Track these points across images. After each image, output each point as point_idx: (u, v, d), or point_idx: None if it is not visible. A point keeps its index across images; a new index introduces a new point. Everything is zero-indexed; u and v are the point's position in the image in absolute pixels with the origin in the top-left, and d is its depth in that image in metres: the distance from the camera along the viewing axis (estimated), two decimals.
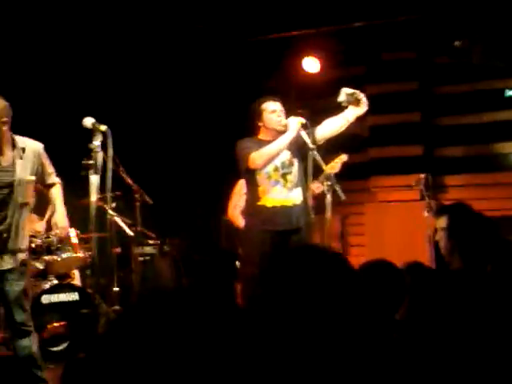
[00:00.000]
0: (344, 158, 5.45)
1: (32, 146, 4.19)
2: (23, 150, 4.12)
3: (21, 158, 4.11)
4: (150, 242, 6.51)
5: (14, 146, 4.11)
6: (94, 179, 4.31)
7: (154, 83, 7.23)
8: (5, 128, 4.07)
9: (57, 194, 4.35)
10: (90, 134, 4.44)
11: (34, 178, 4.18)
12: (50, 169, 4.31)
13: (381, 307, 2.56)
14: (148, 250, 6.56)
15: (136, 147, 6.84)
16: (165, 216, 7.01)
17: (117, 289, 5.90)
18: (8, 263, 4.15)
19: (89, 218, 4.75)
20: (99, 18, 6.36)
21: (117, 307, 5.75)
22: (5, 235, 4.11)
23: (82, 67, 6.69)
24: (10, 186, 4.07)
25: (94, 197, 4.38)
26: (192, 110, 7.62)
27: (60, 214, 4.33)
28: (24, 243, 4.28)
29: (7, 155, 4.09)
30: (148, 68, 7.09)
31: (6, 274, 4.14)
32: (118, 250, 5.97)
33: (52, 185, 4.33)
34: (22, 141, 4.15)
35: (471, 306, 2.16)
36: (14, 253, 4.18)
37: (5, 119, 4.05)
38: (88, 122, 4.45)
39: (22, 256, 4.23)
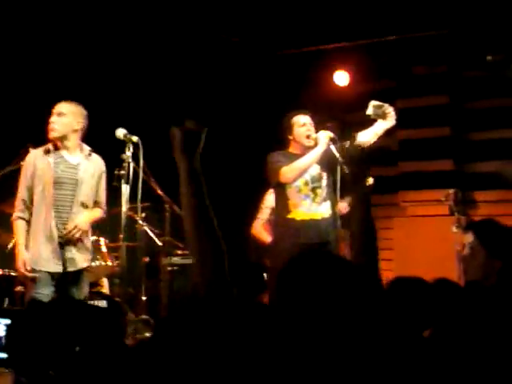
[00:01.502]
0: (370, 181, 5.41)
1: (98, 160, 4.45)
2: (90, 155, 4.38)
3: (86, 160, 4.36)
4: (179, 252, 6.53)
5: (81, 150, 4.38)
6: (125, 189, 4.38)
7: (185, 95, 7.28)
8: (79, 131, 4.34)
9: (94, 211, 4.46)
10: (122, 144, 4.52)
11: (94, 183, 4.38)
12: (103, 190, 4.48)
13: (409, 324, 2.55)
14: (176, 260, 6.58)
15: (167, 158, 6.87)
16: None
17: (144, 298, 5.94)
18: (82, 261, 4.34)
19: (118, 227, 4.82)
20: (131, 31, 6.44)
21: (144, 316, 5.78)
22: (71, 233, 4.27)
23: (115, 79, 6.76)
24: (75, 183, 4.29)
25: (124, 207, 4.45)
26: (223, 123, 7.66)
27: (84, 217, 4.39)
28: (89, 242, 4.46)
29: (74, 155, 4.34)
30: (180, 80, 7.14)
31: (79, 275, 4.33)
32: (147, 259, 6.02)
33: (95, 205, 4.46)
34: (89, 149, 4.41)
35: (502, 324, 2.14)
36: (83, 251, 4.35)
37: (81, 122, 4.33)
38: (120, 132, 4.55)
39: (88, 256, 4.40)
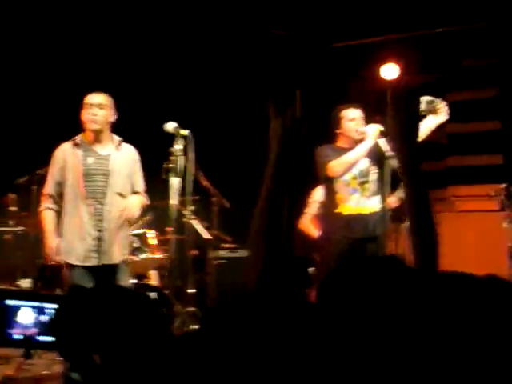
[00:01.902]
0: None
1: (130, 149, 4.38)
2: (120, 146, 4.32)
3: (117, 151, 4.30)
4: (226, 246, 6.56)
5: (112, 141, 4.32)
6: (175, 182, 4.40)
7: (234, 88, 7.29)
8: (111, 122, 4.30)
9: (137, 198, 4.40)
10: (171, 138, 4.54)
11: (128, 172, 4.31)
12: (140, 178, 4.41)
13: (456, 322, 2.50)
14: (223, 253, 6.61)
15: (215, 151, 6.92)
16: (242, 220, 7.04)
17: (192, 291, 5.98)
18: (117, 256, 4.26)
19: (167, 220, 4.85)
20: (181, 24, 6.47)
21: (192, 308, 5.83)
22: (106, 225, 4.21)
23: (164, 73, 6.82)
24: (107, 174, 4.23)
25: (174, 200, 4.48)
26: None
27: (134, 199, 4.33)
28: (126, 236, 4.39)
29: (105, 147, 4.28)
30: (229, 74, 7.16)
31: (116, 268, 4.24)
32: (195, 252, 6.05)
33: (136, 193, 4.40)
34: (119, 139, 4.35)
35: None
36: (120, 245, 4.28)
37: (115, 114, 4.30)
38: (170, 126, 4.57)
39: (125, 250, 4.35)
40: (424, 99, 4.70)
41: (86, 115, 4.24)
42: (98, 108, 4.23)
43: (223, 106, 7.38)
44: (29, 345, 1.52)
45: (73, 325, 1.53)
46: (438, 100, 4.74)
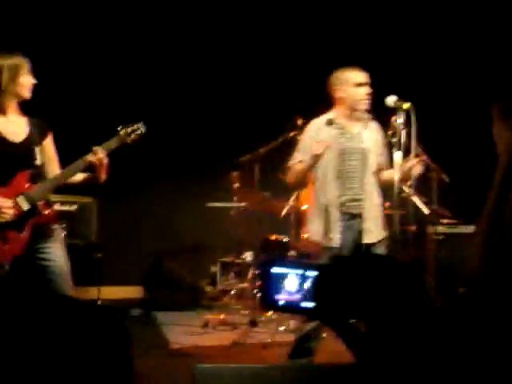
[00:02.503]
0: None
1: (376, 126, 4.45)
2: (367, 123, 4.41)
3: (366, 129, 4.38)
4: (445, 221, 6.39)
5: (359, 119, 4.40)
6: (398, 157, 4.34)
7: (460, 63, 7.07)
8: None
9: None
10: (392, 112, 4.49)
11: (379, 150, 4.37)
12: (387, 158, 4.40)
13: None
14: (442, 229, 6.46)
15: (435, 124, 6.77)
16: (462, 195, 6.83)
17: None
18: (377, 234, 4.32)
19: (386, 195, 4.81)
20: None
21: None
22: (363, 203, 4.29)
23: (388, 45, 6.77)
24: (361, 152, 4.32)
25: (397, 174, 4.42)
26: None
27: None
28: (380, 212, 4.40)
29: (355, 125, 4.38)
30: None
31: (373, 247, 4.28)
32: (414, 228, 5.97)
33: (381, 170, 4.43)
34: (367, 117, 4.43)
35: None
36: (379, 224, 4.33)
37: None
38: (391, 100, 4.50)
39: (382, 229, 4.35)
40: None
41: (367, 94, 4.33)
42: (369, 87, 4.35)
43: (445, 77, 7.18)
44: (292, 310, 1.59)
45: (333, 291, 1.56)
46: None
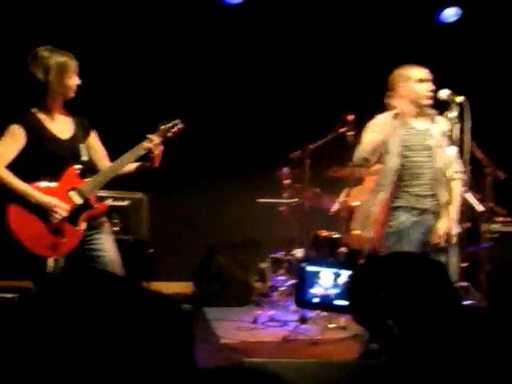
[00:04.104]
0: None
1: (443, 120, 4.36)
2: (434, 118, 4.36)
3: (433, 124, 4.33)
4: (500, 219, 6.25)
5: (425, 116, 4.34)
6: (452, 152, 4.27)
7: None
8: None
9: (457, 188, 4.39)
10: (445, 106, 4.41)
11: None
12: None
13: None
14: (496, 227, 6.31)
15: (491, 119, 6.64)
16: None
17: (464, 264, 5.79)
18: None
19: None
20: None
21: (464, 283, 5.66)
22: (429, 200, 4.28)
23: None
24: (428, 149, 4.29)
25: (449, 171, 4.35)
26: None
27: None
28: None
29: (421, 121, 4.34)
30: None
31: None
32: (468, 225, 5.85)
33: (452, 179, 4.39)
34: (433, 112, 4.37)
35: None
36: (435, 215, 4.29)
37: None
38: (443, 93, 4.42)
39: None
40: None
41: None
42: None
43: (500, 71, 7.03)
44: (326, 308, 1.58)
45: (367, 291, 1.54)
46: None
